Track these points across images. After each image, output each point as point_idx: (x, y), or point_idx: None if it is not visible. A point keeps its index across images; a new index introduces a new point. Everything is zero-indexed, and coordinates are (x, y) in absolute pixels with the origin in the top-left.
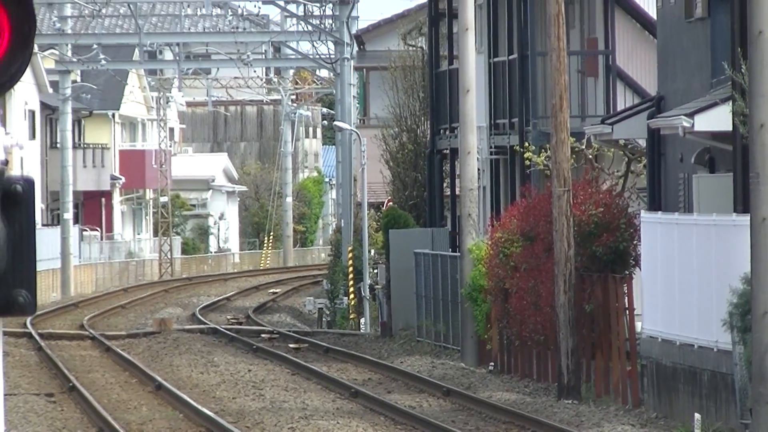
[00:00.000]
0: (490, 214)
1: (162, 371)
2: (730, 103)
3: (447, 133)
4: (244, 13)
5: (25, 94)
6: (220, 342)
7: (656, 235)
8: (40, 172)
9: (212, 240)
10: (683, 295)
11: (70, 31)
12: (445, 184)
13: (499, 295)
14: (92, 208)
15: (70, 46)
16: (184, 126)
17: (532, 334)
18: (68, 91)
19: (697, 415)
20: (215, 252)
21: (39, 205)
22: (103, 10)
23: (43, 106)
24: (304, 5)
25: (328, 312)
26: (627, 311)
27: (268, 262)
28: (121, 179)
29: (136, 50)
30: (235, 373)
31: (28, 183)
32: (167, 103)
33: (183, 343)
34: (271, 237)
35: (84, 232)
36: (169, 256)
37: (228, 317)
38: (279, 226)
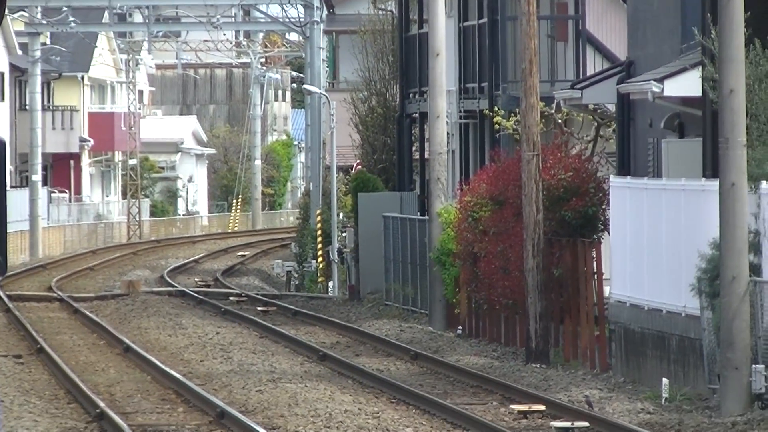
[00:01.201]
0: (459, 178)
1: (130, 333)
2: (700, 68)
3: (416, 97)
4: None
5: None
6: (188, 305)
7: (625, 200)
8: (9, 134)
9: (181, 203)
10: (652, 260)
11: None
12: (414, 148)
13: (468, 259)
14: (61, 171)
15: (39, 8)
16: (153, 89)
17: (500, 299)
18: (38, 53)
19: (665, 380)
20: (184, 215)
21: (8, 167)
22: None
23: (13, 68)
24: None
25: (296, 275)
26: (596, 276)
27: (236, 225)
28: (90, 141)
29: (106, 13)
30: (203, 335)
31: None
32: (137, 65)
33: (151, 305)
34: (239, 200)
35: (53, 194)
36: (138, 219)
37: (196, 280)
38: (248, 189)
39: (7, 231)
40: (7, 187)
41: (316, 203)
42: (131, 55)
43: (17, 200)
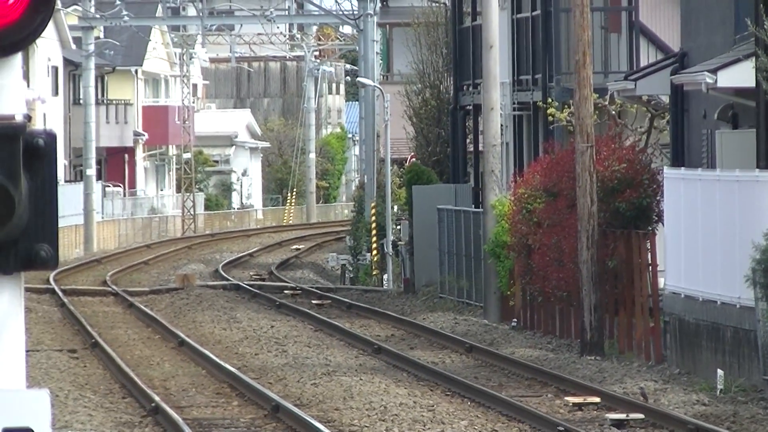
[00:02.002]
0: (513, 170)
1: (185, 327)
2: (753, 59)
3: (470, 89)
4: None
5: (48, 50)
6: (242, 298)
7: (679, 191)
8: (63, 129)
9: (235, 196)
10: (706, 251)
11: None
12: (468, 140)
13: (522, 251)
14: (115, 164)
15: (93, 2)
16: (207, 82)
17: (554, 291)
18: (91, 47)
19: (719, 371)
20: (238, 208)
21: (62, 162)
22: None
23: (66, 62)
24: None
25: (350, 268)
26: (650, 267)
27: (291, 218)
28: (144, 135)
29: (159, 6)
30: (257, 329)
31: (50, 137)
32: (190, 59)
33: (206, 299)
34: (294, 193)
35: (107, 189)
36: (192, 212)
37: (251, 273)
38: (302, 182)
39: (61, 225)
40: (61, 181)
41: (370, 196)
42: (185, 49)
43: (72, 195)
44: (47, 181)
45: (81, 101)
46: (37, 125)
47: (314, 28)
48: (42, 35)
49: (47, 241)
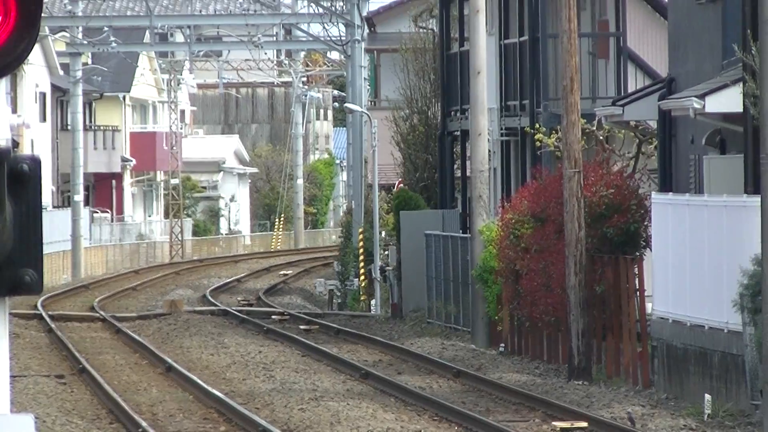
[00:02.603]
0: (500, 196)
1: (172, 353)
2: (741, 84)
3: (458, 114)
4: None
5: (35, 76)
6: (230, 323)
7: (667, 217)
8: (51, 154)
9: (223, 222)
10: (694, 277)
11: (80, 14)
12: (455, 166)
13: (510, 276)
14: (103, 190)
15: (80, 28)
16: (195, 108)
17: (542, 316)
18: (79, 74)
19: (707, 396)
20: (226, 234)
21: (50, 187)
22: None
23: (54, 88)
24: None
25: (338, 294)
26: (638, 292)
27: (279, 243)
28: (131, 161)
29: (147, 32)
30: (245, 354)
31: (35, 162)
32: (178, 85)
33: (193, 324)
34: (282, 219)
35: (95, 214)
36: (180, 238)
37: (239, 299)
38: (290, 208)
39: (49, 251)
40: (49, 207)
41: (358, 221)
42: (173, 75)
43: (59, 220)
44: (32, 206)
45: (69, 127)
46: (25, 151)
47: (302, 54)
48: (28, 61)
49: (32, 266)
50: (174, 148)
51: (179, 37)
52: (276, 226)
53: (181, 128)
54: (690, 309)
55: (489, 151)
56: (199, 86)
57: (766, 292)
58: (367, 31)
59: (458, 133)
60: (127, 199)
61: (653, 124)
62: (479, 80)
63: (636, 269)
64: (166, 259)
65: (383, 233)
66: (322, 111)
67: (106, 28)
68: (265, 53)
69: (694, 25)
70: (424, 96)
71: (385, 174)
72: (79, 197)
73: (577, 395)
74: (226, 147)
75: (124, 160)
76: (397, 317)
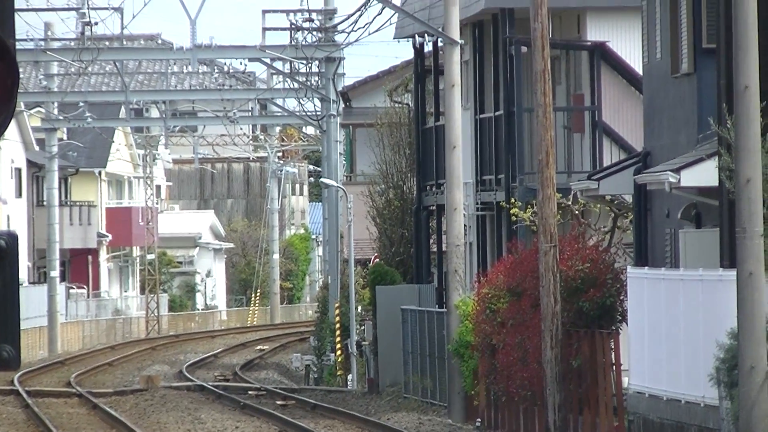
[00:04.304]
0: (476, 270)
1: (149, 428)
2: (717, 158)
3: (433, 189)
4: (230, 71)
5: (11, 152)
6: (207, 399)
7: (643, 290)
8: (27, 230)
9: (199, 297)
10: (670, 351)
11: (56, 89)
12: (431, 241)
13: (486, 350)
14: (79, 266)
15: (56, 104)
16: (170, 183)
17: (519, 390)
18: (55, 149)
19: None
20: (202, 309)
21: (26, 263)
22: (89, 68)
23: (30, 163)
24: (290, 62)
25: (315, 369)
26: (614, 366)
27: (255, 319)
28: (107, 237)
29: (123, 108)
30: (222, 430)
31: (12, 238)
32: (154, 160)
33: (170, 400)
34: (258, 294)
35: (71, 290)
36: (156, 314)
37: (215, 374)
38: (266, 283)
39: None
40: (25, 283)
41: (334, 296)
42: (148, 150)
43: (35, 296)
44: (9, 282)
45: (44, 203)
46: (1, 227)
47: (277, 129)
48: (4, 136)
49: (9, 341)
50: (150, 223)
51: (155, 113)
52: (252, 301)
53: (157, 203)
54: (666, 383)
55: (465, 225)
56: (175, 161)
57: (743, 366)
58: (342, 105)
59: (434, 207)
60: (103, 274)
61: (629, 198)
62: (455, 155)
63: (612, 343)
64: (142, 335)
65: (359, 308)
66: (297, 186)
67: (81, 104)
68: (241, 128)
69: (669, 99)
70: (399, 170)
71: (361, 249)
72: (55, 273)
73: None
74: (201, 222)
75: (100, 235)
76: (374, 392)
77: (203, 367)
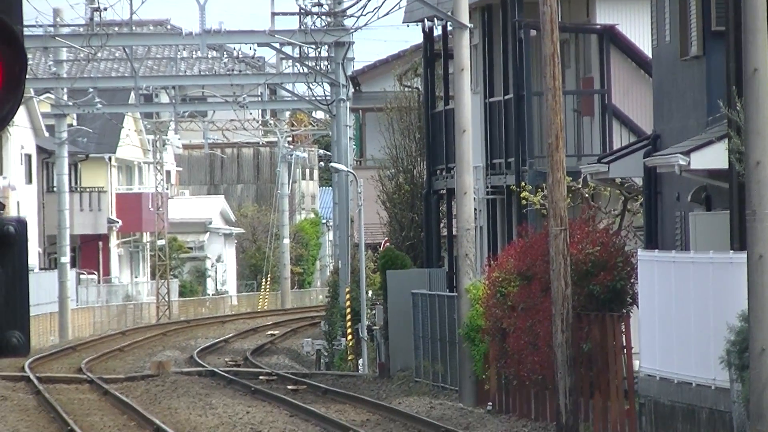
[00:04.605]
0: (487, 254)
1: (160, 414)
2: (726, 140)
3: (443, 173)
4: (240, 56)
5: (21, 138)
6: (218, 384)
7: (653, 274)
8: (37, 216)
9: (210, 282)
10: (681, 333)
11: (65, 75)
12: (441, 225)
13: (497, 334)
14: (89, 252)
15: (65, 90)
16: (180, 169)
17: (530, 374)
18: (64, 135)
19: None
20: (213, 294)
21: (36, 249)
22: (99, 54)
23: (40, 150)
24: (300, 47)
25: (326, 353)
26: (625, 350)
27: (266, 304)
28: (118, 222)
29: (132, 93)
30: (233, 415)
31: (21, 224)
32: (164, 146)
33: (181, 385)
34: (268, 279)
35: (81, 276)
36: (167, 299)
37: (226, 359)
38: (276, 268)
39: (36, 313)
40: (36, 269)
41: (345, 281)
42: (158, 136)
43: (46, 282)
44: (18, 268)
45: (55, 189)
46: (11, 213)
47: (287, 113)
48: (14, 123)
49: (19, 328)
50: (160, 208)
51: (164, 98)
52: (262, 286)
53: (167, 189)
54: (677, 366)
55: (475, 209)
56: (185, 147)
57: (753, 349)
58: (352, 90)
59: (444, 191)
60: (113, 260)
61: (639, 181)
62: (464, 138)
63: (623, 327)
64: (153, 320)
65: (370, 292)
66: (307, 170)
67: (91, 90)
68: (250, 113)
69: (678, 82)
70: (409, 155)
71: (372, 233)
72: (66, 259)
73: None
74: (211, 207)
75: (110, 221)
76: (385, 376)
77: (214, 353)
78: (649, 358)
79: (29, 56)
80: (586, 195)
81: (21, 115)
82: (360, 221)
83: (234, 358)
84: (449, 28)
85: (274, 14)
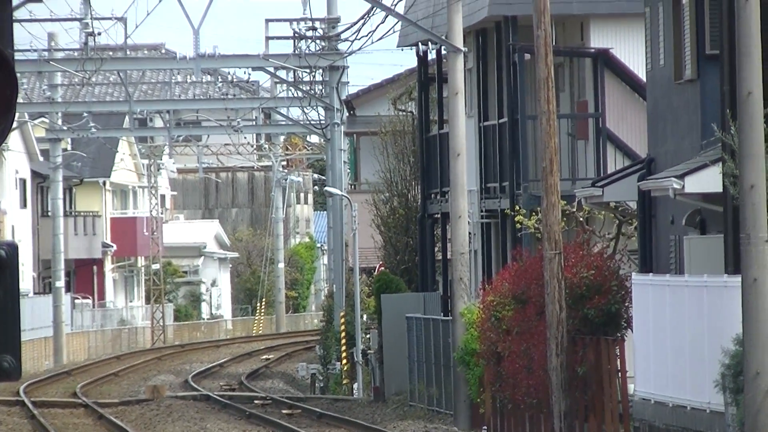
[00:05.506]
0: (481, 278)
1: None
2: (720, 164)
3: (438, 197)
4: (234, 80)
5: (15, 162)
6: (213, 408)
7: (648, 297)
8: (31, 241)
9: (204, 307)
10: (675, 357)
11: (60, 100)
12: (436, 248)
13: (492, 358)
14: (84, 276)
15: (60, 114)
16: (175, 193)
17: (524, 398)
18: (59, 159)
19: None
20: (208, 319)
21: (31, 274)
22: (93, 78)
23: (34, 174)
24: (294, 71)
25: (321, 377)
26: (619, 373)
27: (260, 328)
28: (112, 247)
29: (127, 118)
30: None
31: (12, 248)
32: (158, 170)
33: (176, 410)
34: (263, 303)
35: (76, 300)
36: (162, 323)
37: (221, 384)
38: (271, 292)
39: (29, 337)
40: (30, 293)
41: (339, 305)
42: (152, 160)
43: (41, 307)
44: (10, 292)
45: (49, 213)
46: (6, 237)
47: (281, 137)
48: (8, 147)
49: (10, 352)
50: (155, 233)
51: (159, 122)
52: (257, 311)
53: (162, 213)
54: (672, 389)
55: (469, 233)
56: (179, 171)
57: (748, 372)
58: (346, 114)
59: (438, 215)
60: (108, 284)
61: (633, 205)
62: (459, 162)
63: (617, 350)
64: (147, 345)
65: (364, 316)
66: (302, 194)
67: (85, 114)
68: (245, 137)
69: (672, 105)
70: (404, 178)
71: (366, 257)
72: (60, 283)
73: None
74: (206, 231)
75: (104, 245)
76: (380, 400)
77: (209, 377)
78: (644, 382)
79: (23, 81)
80: (581, 219)
81: (16, 140)
82: (354, 245)
83: (229, 382)
84: (443, 52)
85: (268, 38)
